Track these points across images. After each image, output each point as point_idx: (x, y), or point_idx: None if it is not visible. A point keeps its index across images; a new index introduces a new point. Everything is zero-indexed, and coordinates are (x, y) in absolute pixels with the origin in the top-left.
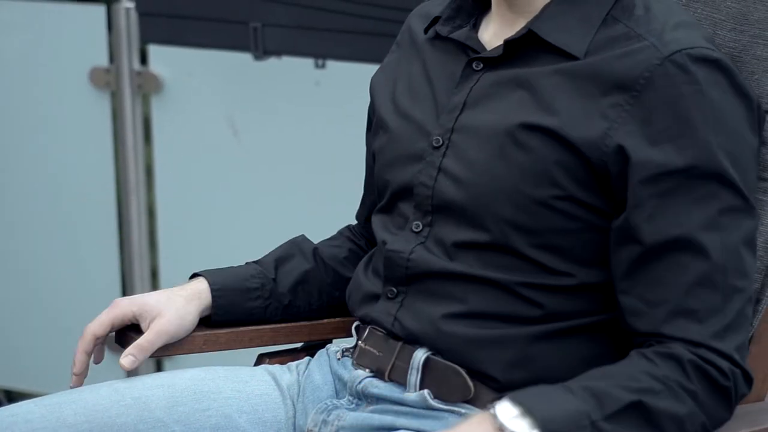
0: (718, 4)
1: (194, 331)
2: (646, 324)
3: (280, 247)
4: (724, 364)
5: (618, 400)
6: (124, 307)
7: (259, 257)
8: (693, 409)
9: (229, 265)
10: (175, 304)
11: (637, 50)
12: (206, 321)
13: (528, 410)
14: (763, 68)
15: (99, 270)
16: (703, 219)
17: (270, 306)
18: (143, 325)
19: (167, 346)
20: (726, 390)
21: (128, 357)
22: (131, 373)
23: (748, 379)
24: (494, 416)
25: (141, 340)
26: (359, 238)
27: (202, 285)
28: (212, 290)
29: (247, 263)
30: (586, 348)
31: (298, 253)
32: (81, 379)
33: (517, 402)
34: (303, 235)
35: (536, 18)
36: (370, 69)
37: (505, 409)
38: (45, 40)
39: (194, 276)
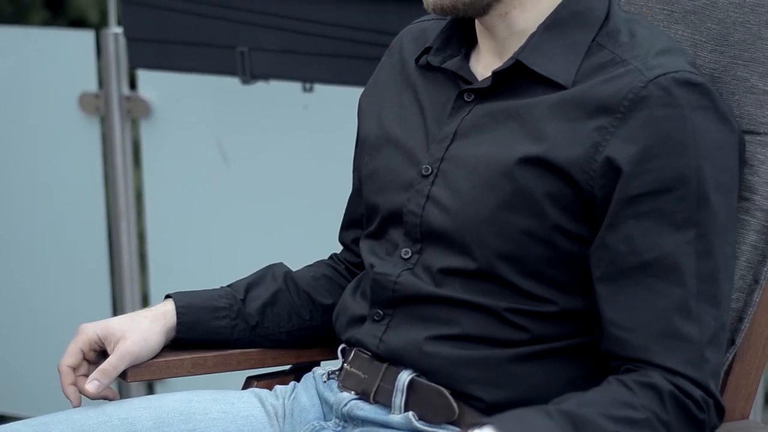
0: (698, 26)
1: (182, 354)
2: (623, 348)
3: (255, 272)
4: (698, 394)
5: (597, 429)
6: (88, 332)
7: None
8: None
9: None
10: (139, 326)
11: (621, 74)
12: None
13: None
14: (743, 88)
15: (90, 294)
16: (680, 244)
17: (237, 326)
18: (108, 348)
19: (154, 369)
20: (701, 423)
21: (93, 382)
22: (122, 395)
23: (720, 411)
24: None
25: (105, 364)
26: (338, 263)
27: (168, 305)
28: (177, 308)
29: (220, 287)
30: (571, 369)
31: (270, 277)
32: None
33: (498, 429)
34: (281, 262)
35: (523, 48)
36: (358, 92)
37: None
38: (34, 65)
39: (167, 298)
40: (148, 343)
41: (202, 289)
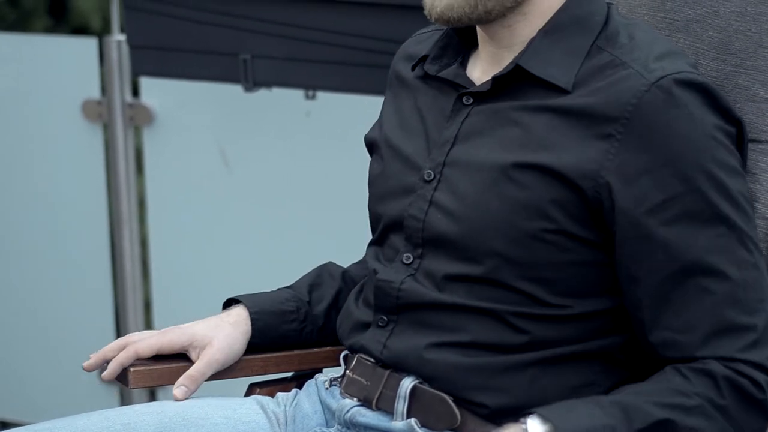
0: (700, 34)
1: (185, 361)
2: (680, 351)
3: (310, 273)
4: (760, 376)
5: (647, 416)
6: (173, 339)
7: (254, 287)
8: (723, 426)
9: (224, 296)
10: (224, 332)
11: (623, 78)
12: None
13: (555, 427)
14: (744, 96)
15: (92, 301)
16: (713, 239)
17: (305, 329)
18: (192, 355)
19: (157, 376)
20: (761, 403)
21: (181, 388)
22: (124, 402)
23: None
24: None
25: (192, 371)
26: None
27: (241, 310)
28: (250, 313)
29: (279, 289)
30: (575, 375)
31: (329, 277)
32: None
33: (545, 419)
34: (331, 262)
35: (522, 53)
36: (360, 100)
37: (535, 427)
38: (37, 72)
39: (229, 301)
40: (233, 349)
41: (206, 298)
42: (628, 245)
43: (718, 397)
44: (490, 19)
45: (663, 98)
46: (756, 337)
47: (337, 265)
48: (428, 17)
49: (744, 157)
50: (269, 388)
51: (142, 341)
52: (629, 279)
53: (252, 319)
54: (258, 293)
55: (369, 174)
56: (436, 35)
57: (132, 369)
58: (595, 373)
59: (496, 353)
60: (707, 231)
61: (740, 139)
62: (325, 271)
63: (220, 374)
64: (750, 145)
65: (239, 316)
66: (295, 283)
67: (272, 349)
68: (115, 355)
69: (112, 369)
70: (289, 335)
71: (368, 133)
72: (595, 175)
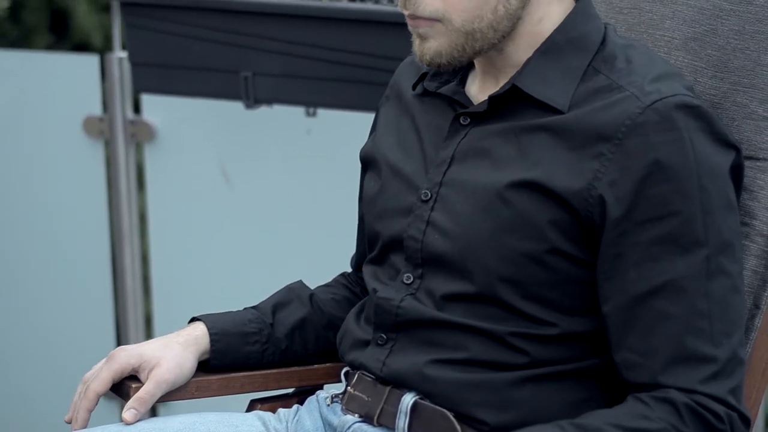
0: (698, 52)
1: None
2: (642, 375)
3: (278, 292)
4: (719, 408)
5: None
6: (122, 361)
7: (254, 303)
8: None
9: (224, 311)
10: (172, 351)
11: (618, 101)
12: (203, 366)
13: None
14: (742, 114)
15: (93, 316)
16: (689, 266)
17: (267, 351)
18: (142, 376)
19: None
20: None
21: (130, 410)
22: None
23: (745, 421)
24: None
25: (141, 392)
26: (354, 285)
27: (199, 330)
28: (210, 334)
29: (245, 308)
30: (574, 392)
31: (296, 299)
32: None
33: None
34: (300, 281)
35: (519, 73)
36: (361, 117)
37: None
38: (39, 89)
39: (193, 320)
40: (182, 369)
41: (208, 313)
42: (602, 261)
43: (681, 425)
44: (480, 54)
45: (656, 120)
46: (717, 369)
47: (306, 287)
48: (419, 60)
49: (741, 182)
50: (271, 403)
51: (96, 379)
52: (601, 298)
53: (212, 341)
54: (221, 313)
55: (364, 191)
56: None
57: (133, 386)
58: (593, 389)
59: (494, 371)
60: (683, 257)
61: (736, 165)
62: (292, 292)
63: (220, 390)
64: (747, 163)
65: (192, 335)
66: (261, 303)
67: (232, 370)
68: (93, 407)
69: (82, 418)
70: (252, 357)
71: (363, 148)
72: (586, 194)
